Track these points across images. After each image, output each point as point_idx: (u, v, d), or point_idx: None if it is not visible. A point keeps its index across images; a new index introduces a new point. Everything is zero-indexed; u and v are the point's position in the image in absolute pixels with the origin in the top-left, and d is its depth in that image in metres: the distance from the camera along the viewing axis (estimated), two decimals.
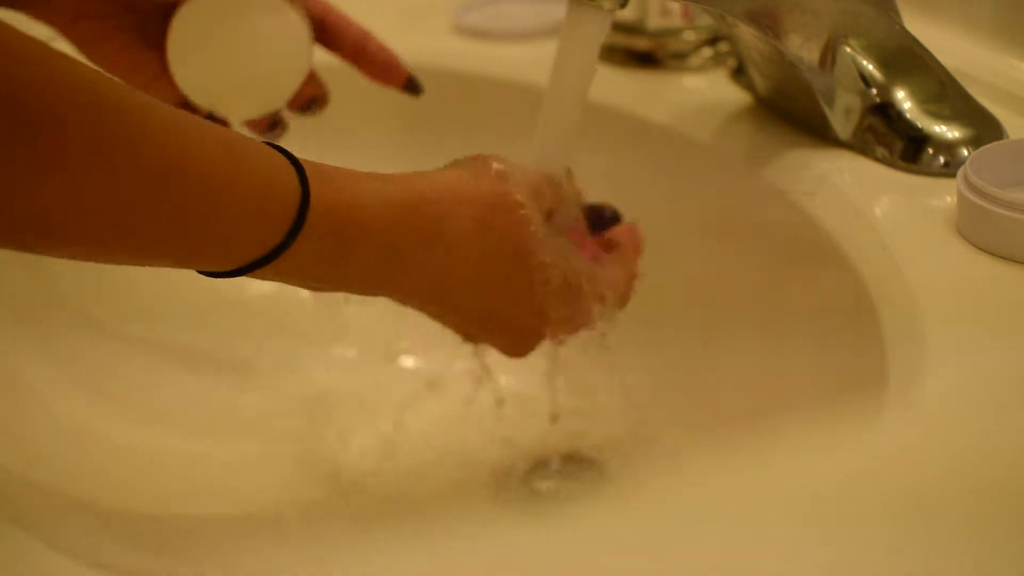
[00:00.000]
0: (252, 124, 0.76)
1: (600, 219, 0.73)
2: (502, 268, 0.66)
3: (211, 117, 0.73)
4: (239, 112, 0.74)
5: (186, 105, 0.73)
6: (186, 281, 0.64)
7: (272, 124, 0.76)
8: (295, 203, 0.58)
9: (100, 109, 0.53)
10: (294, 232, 0.58)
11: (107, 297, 0.86)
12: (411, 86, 0.78)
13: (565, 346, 0.71)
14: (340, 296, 0.65)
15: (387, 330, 0.86)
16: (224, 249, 0.58)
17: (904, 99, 0.73)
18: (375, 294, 0.65)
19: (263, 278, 0.60)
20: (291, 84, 0.74)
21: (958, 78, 0.74)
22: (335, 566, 0.52)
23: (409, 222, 0.63)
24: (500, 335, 0.70)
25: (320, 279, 0.62)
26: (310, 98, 0.76)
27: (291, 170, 0.58)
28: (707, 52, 0.87)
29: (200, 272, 0.59)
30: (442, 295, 0.66)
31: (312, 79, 0.76)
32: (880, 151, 0.73)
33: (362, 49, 0.76)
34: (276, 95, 0.75)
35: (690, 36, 0.87)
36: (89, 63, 0.70)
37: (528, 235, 0.66)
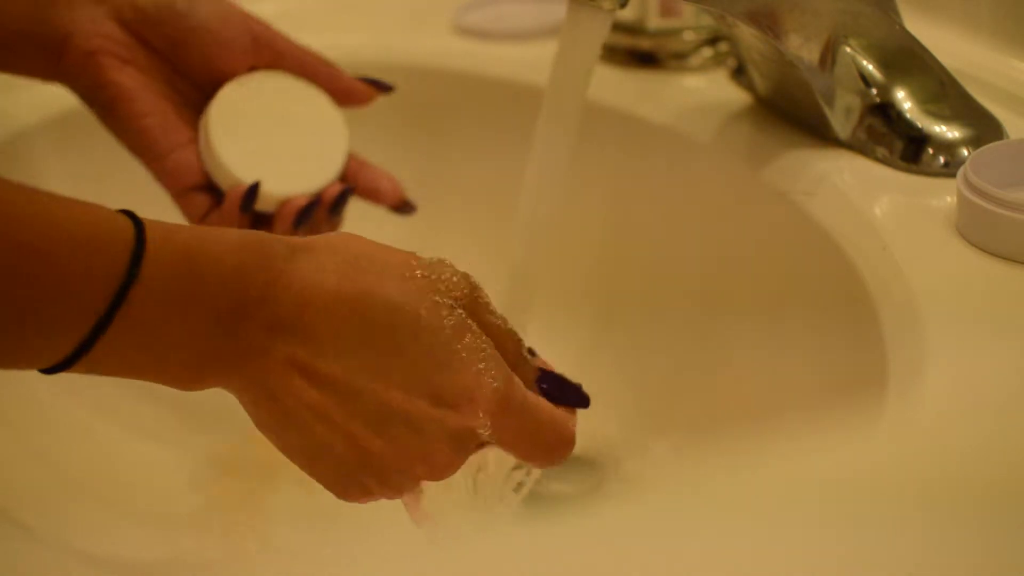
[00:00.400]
0: (283, 214, 0.73)
1: (560, 390, 0.62)
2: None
3: (246, 199, 0.72)
4: (276, 189, 0.73)
5: (207, 184, 0.73)
6: None
7: (302, 214, 0.73)
8: (131, 234, 0.53)
9: None
10: (137, 258, 0.53)
11: None
12: (404, 207, 0.76)
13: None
14: None
15: None
16: (64, 302, 0.52)
17: (904, 99, 0.73)
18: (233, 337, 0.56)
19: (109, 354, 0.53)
20: (331, 167, 0.74)
21: (958, 78, 0.74)
22: (333, 567, 0.52)
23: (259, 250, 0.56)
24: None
25: (174, 324, 0.54)
26: (344, 189, 0.74)
27: (124, 218, 0.54)
28: (707, 52, 0.87)
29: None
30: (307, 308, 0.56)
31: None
32: (880, 151, 0.73)
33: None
34: (314, 177, 0.74)
35: (690, 36, 0.87)
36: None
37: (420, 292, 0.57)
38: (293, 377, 0.56)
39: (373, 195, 0.76)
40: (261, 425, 0.58)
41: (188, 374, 0.55)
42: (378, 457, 0.57)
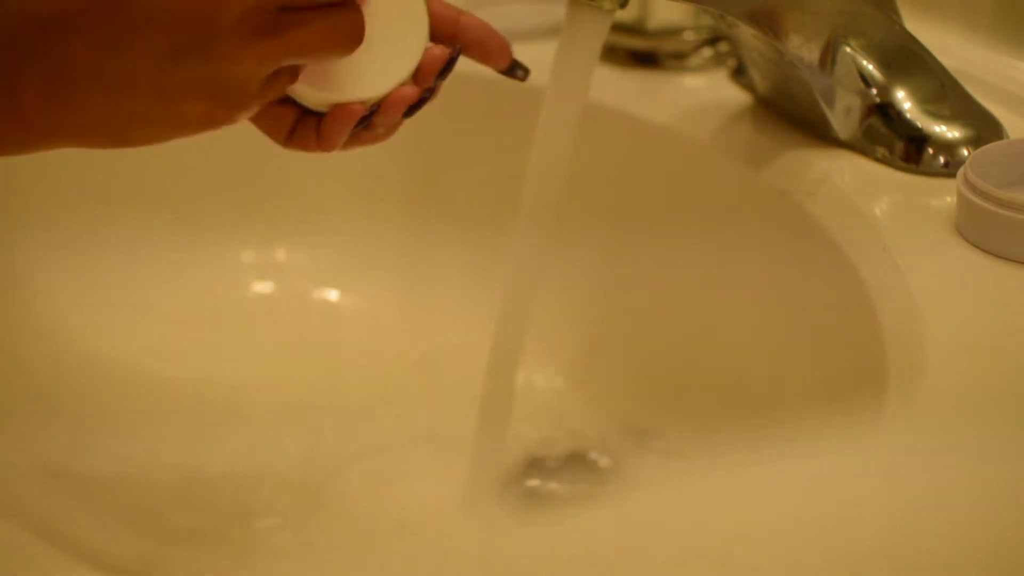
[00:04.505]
0: (346, 113, 0.66)
1: None
2: None
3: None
4: (356, 92, 0.66)
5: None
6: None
7: (365, 116, 0.66)
8: None
9: None
10: None
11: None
12: (513, 69, 0.69)
13: None
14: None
15: (388, 328, 0.86)
16: None
17: (904, 99, 0.73)
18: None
19: None
20: (410, 60, 0.67)
21: (958, 78, 0.74)
22: (330, 566, 0.52)
23: None
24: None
25: None
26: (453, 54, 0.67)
27: None
28: (707, 52, 0.87)
29: None
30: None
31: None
32: (880, 151, 0.73)
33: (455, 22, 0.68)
34: (394, 72, 0.67)
35: (690, 36, 0.87)
36: None
37: None
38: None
39: (481, 54, 0.69)
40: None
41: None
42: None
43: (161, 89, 0.57)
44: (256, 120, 0.65)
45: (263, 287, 0.90)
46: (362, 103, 0.66)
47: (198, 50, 0.57)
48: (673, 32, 0.87)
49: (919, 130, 0.72)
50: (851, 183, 0.72)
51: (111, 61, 0.56)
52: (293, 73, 0.61)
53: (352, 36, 0.61)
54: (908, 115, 0.73)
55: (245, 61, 0.58)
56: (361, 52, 0.63)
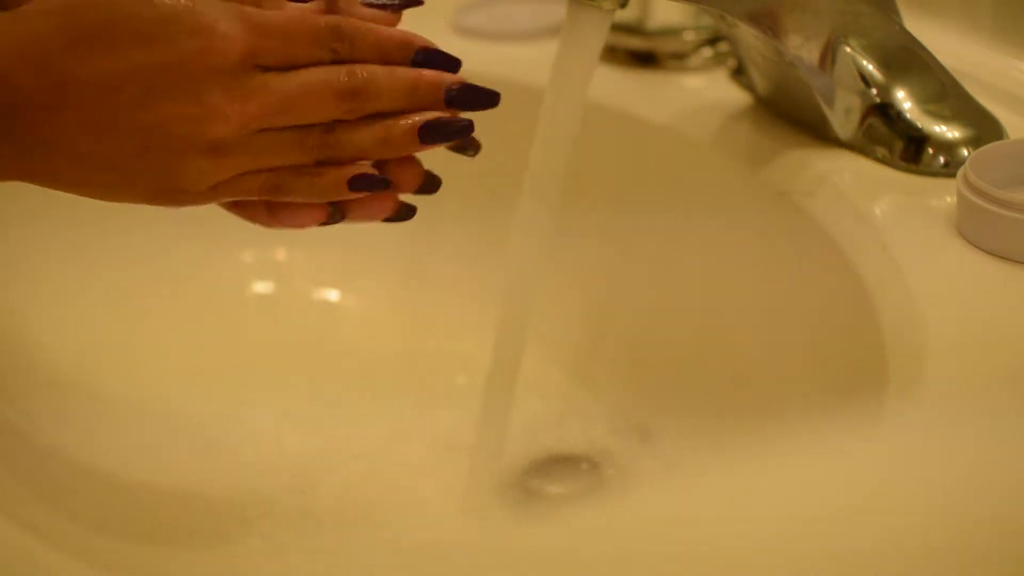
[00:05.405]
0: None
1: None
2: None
3: None
4: None
5: None
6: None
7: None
8: None
9: None
10: None
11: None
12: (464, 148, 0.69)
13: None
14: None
15: (388, 328, 0.86)
16: None
17: (904, 99, 0.73)
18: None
19: None
20: None
21: (958, 78, 0.74)
22: (329, 566, 0.52)
23: None
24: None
25: None
26: None
27: None
28: (707, 52, 0.87)
29: None
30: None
31: None
32: (880, 151, 0.73)
33: None
34: None
35: (690, 36, 0.87)
36: None
37: None
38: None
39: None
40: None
41: None
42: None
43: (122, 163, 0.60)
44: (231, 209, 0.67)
45: (263, 287, 0.90)
46: None
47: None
48: (673, 32, 0.87)
49: (919, 130, 0.72)
50: (851, 183, 0.72)
51: (92, 141, 0.59)
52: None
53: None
54: (908, 115, 0.73)
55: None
56: None
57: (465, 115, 0.65)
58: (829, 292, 0.70)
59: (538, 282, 0.74)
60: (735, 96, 0.81)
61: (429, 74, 0.63)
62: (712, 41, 0.87)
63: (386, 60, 0.62)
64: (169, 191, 0.61)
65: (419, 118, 0.63)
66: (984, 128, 0.73)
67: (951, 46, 0.76)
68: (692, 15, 0.87)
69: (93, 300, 0.86)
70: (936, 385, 0.57)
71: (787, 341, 0.74)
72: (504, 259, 0.74)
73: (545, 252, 0.73)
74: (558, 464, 0.80)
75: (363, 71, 0.61)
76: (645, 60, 0.88)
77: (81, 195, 0.61)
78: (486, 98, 0.65)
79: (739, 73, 0.82)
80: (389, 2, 0.65)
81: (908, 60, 0.73)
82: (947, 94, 0.73)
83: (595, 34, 0.69)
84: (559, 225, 0.73)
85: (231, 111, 0.59)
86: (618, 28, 0.86)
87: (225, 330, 0.87)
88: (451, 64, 0.64)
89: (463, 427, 0.78)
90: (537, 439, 0.81)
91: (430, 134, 0.63)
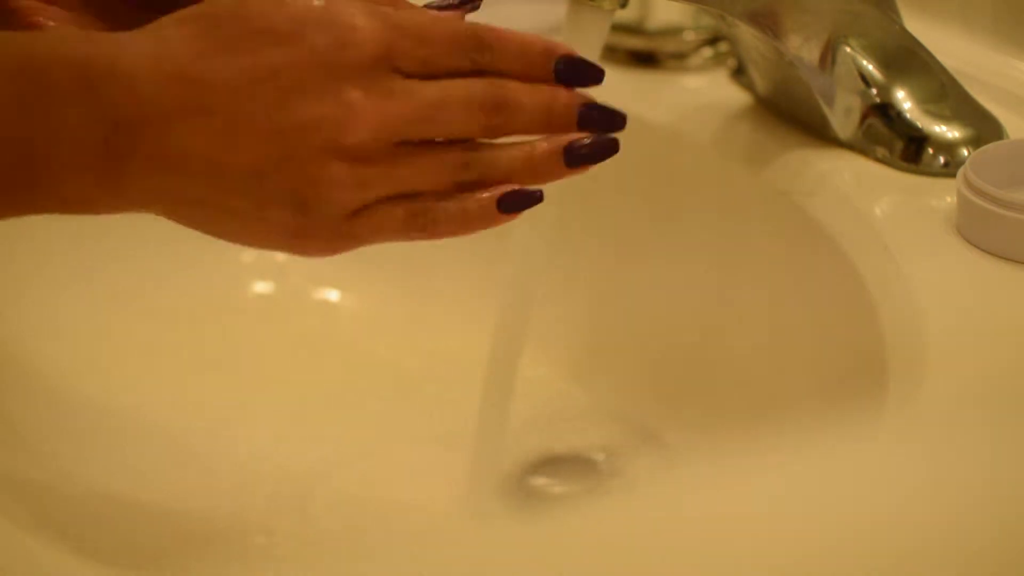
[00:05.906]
0: None
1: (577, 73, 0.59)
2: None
3: None
4: None
5: None
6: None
7: None
8: None
9: None
10: None
11: None
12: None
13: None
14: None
15: (388, 328, 0.86)
16: None
17: (904, 99, 0.73)
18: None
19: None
20: None
21: (958, 78, 0.74)
22: (327, 568, 0.52)
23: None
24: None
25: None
26: None
27: None
28: (707, 52, 0.87)
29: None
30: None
31: None
32: (880, 151, 0.73)
33: None
34: None
35: (690, 36, 0.87)
36: None
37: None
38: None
39: None
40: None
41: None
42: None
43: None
44: None
45: (263, 287, 0.90)
46: None
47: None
48: (673, 32, 0.87)
49: (919, 130, 0.72)
50: (851, 183, 0.72)
51: (227, 150, 0.56)
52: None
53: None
54: (908, 115, 0.73)
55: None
56: None
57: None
58: (829, 292, 0.70)
59: (538, 282, 0.74)
60: (735, 96, 0.81)
61: (564, 94, 0.60)
62: (712, 41, 0.87)
63: (529, 69, 0.59)
64: (303, 226, 0.58)
65: (560, 140, 0.60)
66: (984, 128, 0.73)
67: (951, 46, 0.76)
68: (692, 15, 0.87)
69: (91, 300, 0.86)
70: (936, 385, 0.57)
71: (787, 341, 0.74)
72: (504, 259, 0.74)
73: (545, 252, 0.73)
74: (558, 464, 0.80)
75: (507, 84, 0.59)
76: (645, 60, 0.88)
77: (207, 232, 0.58)
78: (619, 121, 0.61)
79: (739, 73, 0.82)
80: (451, 2, 0.62)
81: (908, 60, 0.73)
82: (947, 94, 0.73)
83: (595, 34, 0.69)
84: (559, 225, 0.73)
85: (369, 110, 0.56)
86: (618, 28, 0.86)
87: (225, 330, 0.87)
88: (595, 73, 0.61)
89: (463, 427, 0.78)
90: (537, 439, 0.81)
91: (578, 157, 0.60)
